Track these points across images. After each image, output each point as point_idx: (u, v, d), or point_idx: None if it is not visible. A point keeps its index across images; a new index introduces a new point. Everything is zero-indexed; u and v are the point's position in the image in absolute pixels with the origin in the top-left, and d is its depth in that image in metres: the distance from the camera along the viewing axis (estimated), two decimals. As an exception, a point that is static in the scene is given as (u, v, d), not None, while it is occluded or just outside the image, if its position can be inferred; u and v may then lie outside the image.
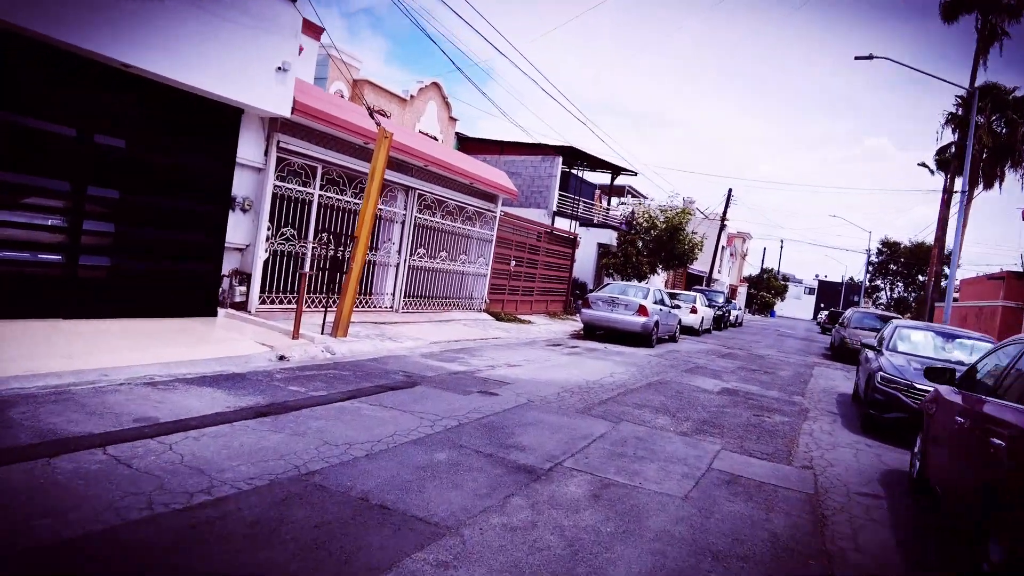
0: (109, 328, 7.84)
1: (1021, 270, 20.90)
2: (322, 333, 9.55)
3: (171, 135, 8.79)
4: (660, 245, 24.71)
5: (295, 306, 10.93)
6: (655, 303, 16.56)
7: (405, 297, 13.99)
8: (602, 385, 9.48)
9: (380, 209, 12.84)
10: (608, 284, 18.03)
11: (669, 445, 6.49)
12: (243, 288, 10.31)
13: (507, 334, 14.50)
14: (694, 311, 22.71)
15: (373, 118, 10.10)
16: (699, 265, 41.12)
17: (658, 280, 31.99)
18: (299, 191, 10.96)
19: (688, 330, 22.68)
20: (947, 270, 32.98)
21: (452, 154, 14.89)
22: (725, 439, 7.15)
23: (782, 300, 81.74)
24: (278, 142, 10.31)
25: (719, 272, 50.05)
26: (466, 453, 5.26)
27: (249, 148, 9.98)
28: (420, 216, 13.84)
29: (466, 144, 26.52)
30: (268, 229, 10.54)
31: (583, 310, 16.59)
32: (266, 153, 10.25)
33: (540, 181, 24.32)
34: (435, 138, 22.95)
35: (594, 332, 16.89)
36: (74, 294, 7.88)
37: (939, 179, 31.00)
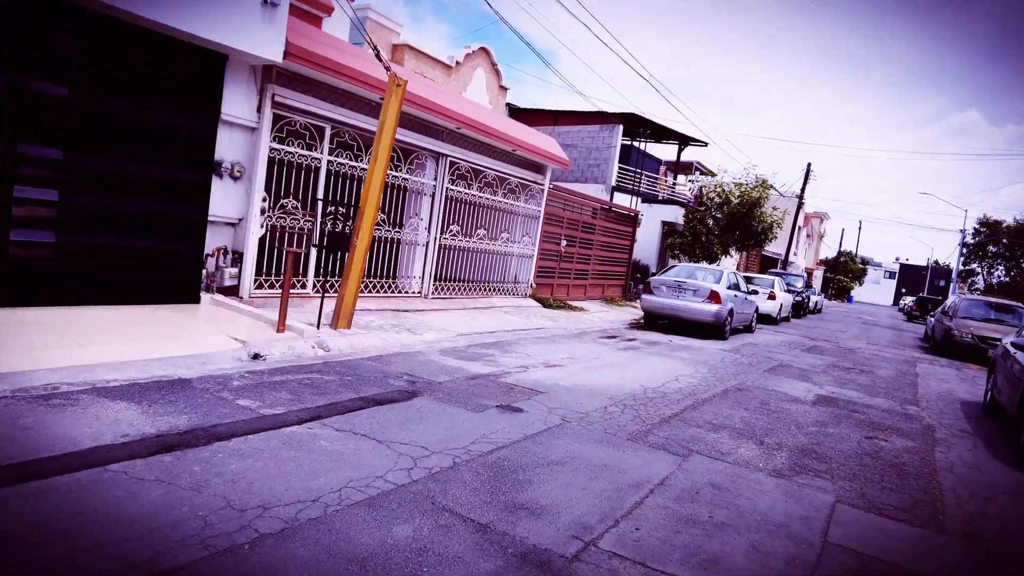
0: (47, 319, 6.35)
1: None
2: (319, 325, 7.88)
3: (131, 84, 7.21)
4: (733, 223, 22.13)
5: (298, 290, 9.35)
6: (729, 288, 14.30)
7: (436, 281, 12.24)
8: (664, 394, 7.47)
9: (405, 179, 11.09)
10: (673, 267, 15.83)
11: (760, 497, 4.48)
12: (235, 270, 8.74)
13: (553, 324, 12.58)
14: (772, 297, 20.19)
15: (381, 61, 8.28)
16: (774, 247, 38.00)
17: (730, 263, 29.32)
18: (303, 156, 9.30)
19: (765, 318, 20.20)
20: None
21: (489, 115, 12.93)
22: (837, 482, 5.07)
23: (860, 285, 76.92)
24: (273, 96, 8.65)
25: (795, 254, 46.57)
26: (445, 524, 3.41)
27: (237, 103, 8.36)
28: (453, 188, 12.01)
29: (517, 115, 24.54)
30: (264, 200, 8.93)
31: (643, 296, 14.49)
32: (259, 109, 8.61)
33: (598, 153, 22.12)
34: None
35: (656, 322, 14.78)
36: (2, 278, 6.41)
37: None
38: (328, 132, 9.56)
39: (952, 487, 5.38)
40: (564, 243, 16.30)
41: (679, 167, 31.43)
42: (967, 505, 4.96)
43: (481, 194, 12.81)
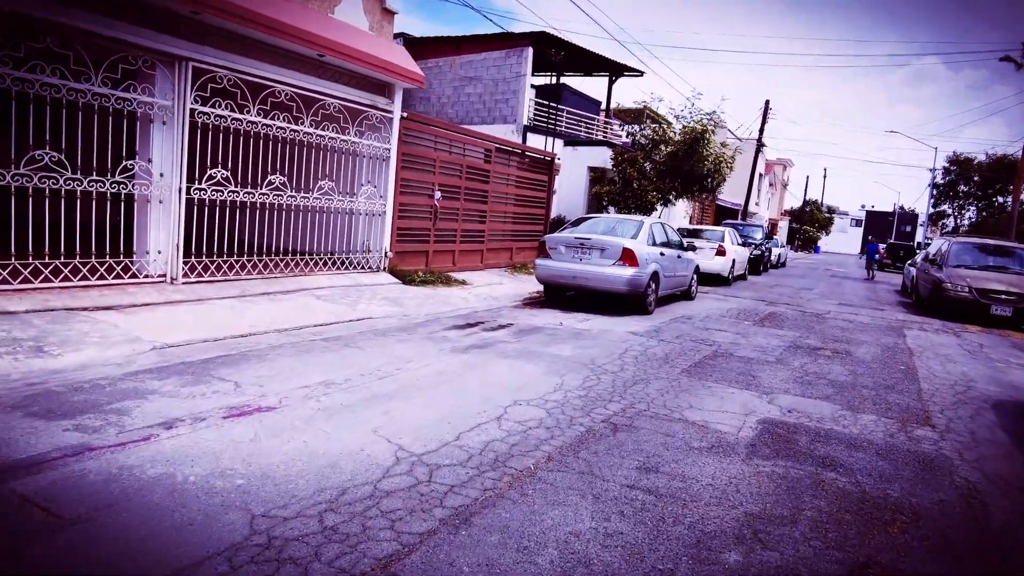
0: None
1: None
2: None
3: None
4: (674, 164, 18.15)
5: None
6: (652, 244, 10.46)
7: (201, 257, 8.12)
8: (436, 468, 3.55)
9: (107, 96, 6.82)
10: (584, 219, 11.91)
11: None
12: None
13: (392, 310, 8.61)
14: (721, 252, 16.43)
15: None
16: (732, 196, 34.30)
17: (677, 213, 25.41)
18: None
19: (714, 279, 16.50)
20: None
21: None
22: None
23: (827, 234, 74.36)
24: None
25: (756, 204, 43.05)
26: None
27: None
28: (206, 110, 7.79)
29: (414, 47, 20.19)
30: None
31: (538, 261, 10.58)
32: None
33: (505, 85, 17.92)
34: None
35: (562, 295, 10.92)
36: None
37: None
38: None
39: None
40: (438, 195, 12.22)
41: (617, 114, 27.32)
42: None
43: (268, 121, 8.59)
